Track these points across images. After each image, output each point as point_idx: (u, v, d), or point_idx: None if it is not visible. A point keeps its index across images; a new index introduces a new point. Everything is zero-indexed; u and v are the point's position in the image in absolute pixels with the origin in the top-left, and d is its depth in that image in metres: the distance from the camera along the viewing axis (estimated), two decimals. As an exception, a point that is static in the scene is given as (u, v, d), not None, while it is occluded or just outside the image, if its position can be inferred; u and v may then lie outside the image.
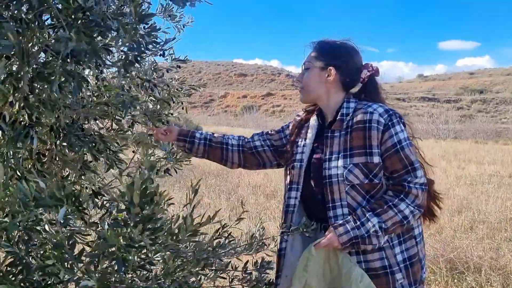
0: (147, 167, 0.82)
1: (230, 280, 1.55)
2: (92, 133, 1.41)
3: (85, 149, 1.31)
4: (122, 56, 1.10)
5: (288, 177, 1.87)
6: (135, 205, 0.78)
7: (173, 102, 1.78)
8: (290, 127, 1.98)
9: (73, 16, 0.89)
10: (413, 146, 1.69)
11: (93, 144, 1.34)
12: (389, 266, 1.62)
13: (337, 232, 1.59)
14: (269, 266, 1.62)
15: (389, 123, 1.62)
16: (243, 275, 1.57)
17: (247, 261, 1.54)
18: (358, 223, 1.58)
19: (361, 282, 1.54)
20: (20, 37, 0.87)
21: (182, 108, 1.90)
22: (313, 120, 1.86)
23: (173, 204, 1.56)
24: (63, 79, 0.97)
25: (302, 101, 1.88)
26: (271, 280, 1.65)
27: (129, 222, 0.81)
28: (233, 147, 2.00)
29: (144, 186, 0.78)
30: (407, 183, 1.61)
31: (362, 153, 1.63)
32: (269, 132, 2.06)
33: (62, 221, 0.78)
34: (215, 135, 2.03)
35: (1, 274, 1.02)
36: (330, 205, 1.66)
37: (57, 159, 1.39)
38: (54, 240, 0.95)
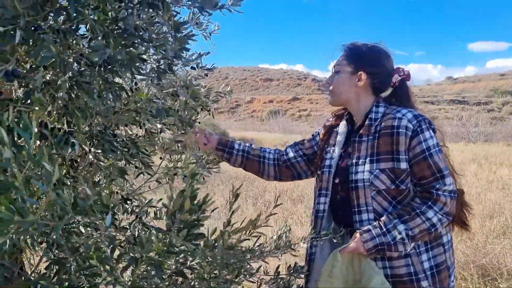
0: (189, 174, 0.84)
1: (258, 285, 1.56)
2: (124, 139, 1.45)
3: (117, 154, 1.35)
4: (154, 65, 1.13)
5: (318, 183, 1.87)
6: (184, 211, 0.81)
7: (202, 110, 1.81)
8: (320, 134, 1.98)
9: (108, 27, 0.92)
10: (443, 153, 1.65)
11: (127, 150, 1.38)
12: (414, 273, 1.60)
13: (363, 238, 1.58)
14: (302, 271, 1.62)
15: (418, 129, 1.60)
16: (274, 279, 1.57)
17: (279, 266, 1.55)
18: (384, 229, 1.57)
19: None
20: (58, 48, 0.91)
21: (209, 114, 1.93)
22: (343, 125, 1.86)
23: (216, 208, 1.59)
24: (102, 88, 1.01)
25: (330, 103, 1.87)
26: (300, 285, 1.65)
27: (172, 228, 0.83)
28: (269, 160, 2.03)
29: (194, 194, 0.81)
30: (436, 190, 1.58)
31: (389, 158, 1.62)
32: (301, 142, 2.07)
33: (108, 225, 0.81)
34: (252, 147, 2.06)
35: (37, 275, 1.06)
36: (356, 209, 1.66)
37: (90, 165, 1.44)
38: (89, 243, 0.98)
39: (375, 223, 1.60)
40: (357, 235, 1.60)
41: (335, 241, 1.71)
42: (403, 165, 1.60)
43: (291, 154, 2.02)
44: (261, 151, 2.05)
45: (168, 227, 0.85)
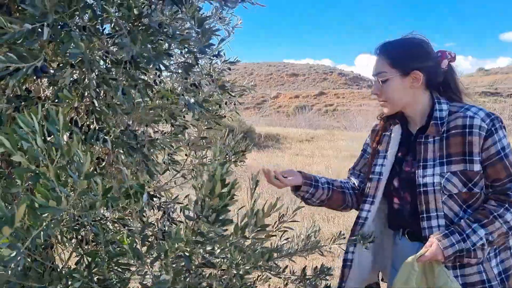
0: (218, 163, 0.85)
1: (285, 284, 1.56)
2: (144, 138, 1.46)
3: (137, 156, 1.35)
4: (180, 60, 1.14)
5: (366, 190, 1.79)
6: (214, 195, 0.82)
7: (226, 104, 1.81)
8: (371, 140, 1.87)
9: (132, 23, 0.93)
10: None
11: (148, 149, 1.38)
12: (487, 280, 1.52)
13: (442, 245, 1.47)
14: (329, 272, 1.59)
15: (492, 129, 1.51)
16: (300, 279, 1.56)
17: (305, 266, 1.54)
18: (464, 235, 1.47)
19: None
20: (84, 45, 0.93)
21: (235, 109, 1.93)
22: (396, 129, 1.74)
23: (243, 207, 1.60)
24: (127, 85, 1.02)
25: (387, 114, 1.72)
26: (328, 285, 1.63)
27: (200, 215, 0.84)
28: (349, 190, 1.88)
29: (223, 177, 0.81)
30: None
31: (461, 160, 1.52)
32: (355, 165, 1.95)
33: (144, 203, 0.83)
34: (328, 178, 1.90)
35: (68, 269, 1.09)
36: (425, 215, 1.56)
37: (117, 160, 1.46)
38: (117, 238, 1.00)
39: (452, 228, 1.51)
40: (434, 241, 1.50)
41: (364, 248, 1.67)
42: (477, 167, 1.51)
43: (357, 182, 1.91)
44: (339, 181, 1.90)
45: (197, 214, 0.86)
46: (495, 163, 1.51)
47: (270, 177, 1.71)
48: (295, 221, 1.30)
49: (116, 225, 1.31)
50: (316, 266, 1.59)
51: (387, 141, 1.76)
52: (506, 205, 1.49)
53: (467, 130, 1.51)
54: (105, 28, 1.02)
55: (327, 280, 1.60)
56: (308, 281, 1.55)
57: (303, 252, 1.52)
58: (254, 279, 1.46)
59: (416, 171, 1.59)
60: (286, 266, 1.50)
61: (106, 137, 1.09)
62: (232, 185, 0.84)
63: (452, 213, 1.54)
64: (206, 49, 1.17)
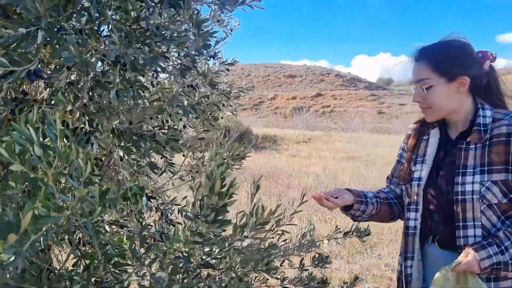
0: (216, 163, 0.85)
1: (281, 280, 1.56)
2: (152, 129, 1.46)
3: (146, 145, 1.35)
4: (176, 63, 1.14)
5: (405, 197, 1.71)
6: (214, 193, 0.82)
7: (223, 105, 1.81)
8: (407, 144, 1.79)
9: (130, 26, 0.94)
10: None
11: (154, 139, 1.38)
12: None
13: (479, 256, 1.42)
14: (327, 261, 1.59)
15: None
16: (298, 279, 1.56)
17: (302, 259, 1.54)
18: (502, 247, 1.43)
19: None
20: (80, 48, 0.93)
21: (232, 112, 1.93)
22: (435, 133, 1.68)
23: (242, 211, 1.59)
24: (122, 87, 1.03)
25: (431, 120, 1.65)
26: (324, 278, 1.63)
27: (199, 215, 0.84)
28: (393, 199, 1.82)
29: (222, 176, 0.81)
30: None
31: (503, 169, 1.46)
32: (394, 172, 1.87)
33: (144, 206, 0.83)
34: (373, 191, 1.83)
35: (65, 271, 1.08)
36: (461, 224, 1.51)
37: (114, 164, 1.46)
38: (115, 239, 1.00)
39: (489, 239, 1.45)
40: (471, 251, 1.44)
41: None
42: None
43: (398, 190, 1.82)
44: (384, 193, 1.83)
45: (195, 214, 0.86)
46: None
47: (322, 201, 1.65)
48: (293, 224, 1.30)
49: (113, 226, 1.31)
50: (315, 255, 1.59)
51: (425, 145, 1.70)
52: None
53: (511, 138, 1.46)
54: (103, 30, 1.02)
55: (327, 267, 1.60)
56: (306, 272, 1.55)
57: (300, 250, 1.53)
58: (252, 280, 1.46)
59: (455, 178, 1.54)
60: (283, 260, 1.49)
61: (95, 141, 1.09)
62: (231, 184, 0.84)
63: (489, 224, 1.49)
64: (203, 50, 1.17)
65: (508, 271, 1.45)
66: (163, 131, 1.58)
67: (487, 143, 1.50)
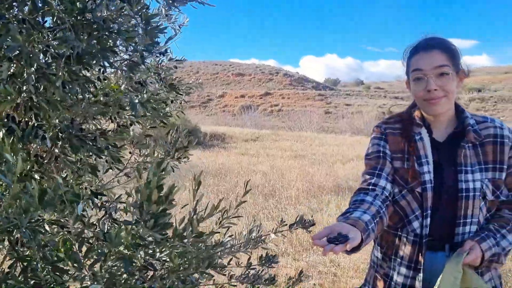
0: (155, 164, 0.83)
1: (228, 278, 1.56)
2: (93, 131, 1.41)
3: (86, 148, 1.31)
4: (125, 57, 1.11)
5: (417, 202, 1.59)
6: (152, 202, 0.80)
7: (172, 102, 1.78)
8: (384, 144, 1.68)
9: (75, 18, 0.90)
10: None
11: (94, 144, 1.35)
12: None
13: (483, 248, 1.46)
14: (274, 260, 1.59)
15: None
16: (245, 275, 1.57)
17: (250, 257, 1.54)
18: (498, 239, 1.50)
19: None
20: (22, 38, 0.88)
21: (179, 108, 1.90)
22: (424, 133, 1.63)
23: (186, 205, 1.57)
24: (68, 80, 0.99)
25: (441, 112, 1.59)
26: (272, 276, 1.63)
27: (139, 220, 0.83)
28: (382, 208, 1.52)
29: (160, 183, 0.80)
30: None
31: (493, 168, 1.56)
32: (383, 167, 1.64)
33: (78, 215, 0.80)
34: (361, 207, 1.48)
35: (1, 274, 1.03)
36: (461, 221, 1.53)
37: (56, 160, 1.40)
38: (55, 240, 0.96)
39: (486, 232, 1.51)
40: (475, 244, 1.48)
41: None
42: (503, 176, 1.56)
43: (389, 185, 1.61)
44: (373, 205, 1.50)
45: (136, 219, 0.84)
46: None
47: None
48: (239, 216, 1.30)
49: (53, 226, 1.26)
50: (262, 255, 1.60)
51: (422, 145, 1.62)
52: None
53: (498, 139, 1.57)
54: (46, 21, 0.97)
55: (273, 267, 1.61)
56: (253, 271, 1.55)
57: (246, 247, 1.53)
58: (197, 279, 1.45)
59: (458, 176, 1.56)
60: (231, 259, 1.49)
61: (45, 134, 1.05)
62: (170, 190, 0.83)
63: (482, 220, 1.56)
64: (151, 47, 1.15)
65: (498, 263, 1.51)
66: (109, 130, 1.53)
67: (478, 143, 1.58)
